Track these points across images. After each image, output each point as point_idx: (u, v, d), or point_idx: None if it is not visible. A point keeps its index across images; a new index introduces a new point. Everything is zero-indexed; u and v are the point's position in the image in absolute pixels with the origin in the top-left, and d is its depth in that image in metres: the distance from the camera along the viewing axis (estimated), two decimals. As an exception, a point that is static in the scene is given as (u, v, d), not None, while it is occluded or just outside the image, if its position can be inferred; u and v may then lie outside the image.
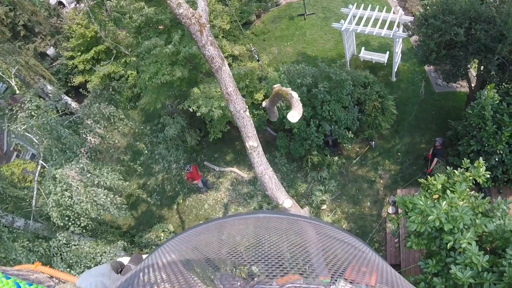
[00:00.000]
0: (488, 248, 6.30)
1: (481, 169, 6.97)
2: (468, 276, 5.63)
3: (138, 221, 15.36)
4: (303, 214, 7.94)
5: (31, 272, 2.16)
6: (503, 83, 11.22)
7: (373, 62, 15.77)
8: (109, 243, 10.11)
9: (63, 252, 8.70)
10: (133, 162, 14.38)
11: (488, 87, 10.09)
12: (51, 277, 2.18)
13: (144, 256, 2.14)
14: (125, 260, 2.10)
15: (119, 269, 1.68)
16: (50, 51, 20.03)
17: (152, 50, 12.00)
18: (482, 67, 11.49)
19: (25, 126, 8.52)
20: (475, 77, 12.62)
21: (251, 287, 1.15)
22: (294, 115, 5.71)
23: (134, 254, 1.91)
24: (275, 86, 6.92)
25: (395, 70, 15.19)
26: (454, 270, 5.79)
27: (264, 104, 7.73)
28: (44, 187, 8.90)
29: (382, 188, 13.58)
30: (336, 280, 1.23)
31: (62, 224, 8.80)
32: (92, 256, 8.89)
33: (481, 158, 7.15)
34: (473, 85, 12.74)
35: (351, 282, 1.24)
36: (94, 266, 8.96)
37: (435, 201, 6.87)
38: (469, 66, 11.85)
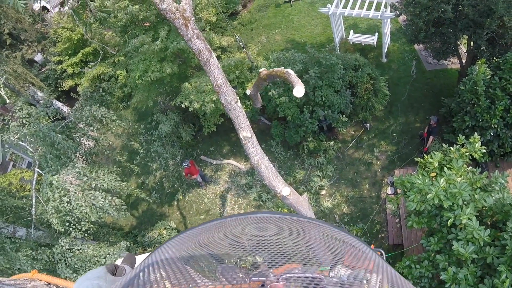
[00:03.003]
0: (488, 223, 6.35)
1: (476, 144, 6.99)
2: (470, 252, 5.68)
3: (140, 220, 15.35)
4: (301, 200, 7.95)
5: (28, 281, 2.15)
6: (494, 58, 11.19)
7: (363, 44, 15.72)
8: (112, 244, 10.10)
9: (67, 258, 8.68)
10: (129, 162, 14.32)
11: (479, 62, 10.08)
12: (48, 284, 2.17)
13: (137, 257, 2.13)
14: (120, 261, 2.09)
15: (115, 271, 1.68)
16: (38, 57, 19.80)
17: (140, 48, 11.89)
18: (472, 43, 11.46)
19: (18, 135, 8.44)
20: (466, 53, 12.61)
21: (249, 278, 1.15)
22: (299, 90, 5.76)
23: (126, 254, 1.90)
24: (261, 70, 6.90)
25: (385, 51, 15.15)
26: (456, 246, 5.84)
27: (248, 91, 7.72)
28: (42, 194, 8.85)
29: (379, 170, 13.64)
30: (334, 266, 1.22)
31: (63, 230, 8.77)
32: (96, 259, 8.89)
33: (476, 134, 7.17)
34: (464, 61, 12.72)
35: (347, 266, 1.23)
36: None
37: (433, 179, 6.91)
38: (458, 42, 11.82)
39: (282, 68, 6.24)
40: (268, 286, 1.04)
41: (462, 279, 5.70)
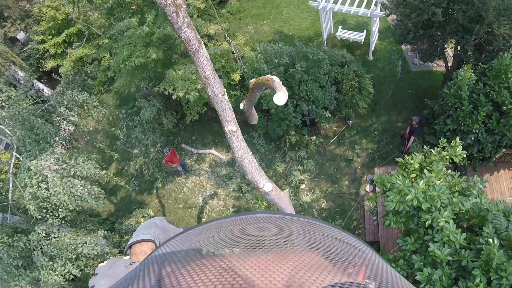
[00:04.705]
0: (465, 226, 6.50)
1: (457, 149, 7.11)
2: (446, 254, 5.81)
3: (118, 207, 15.17)
4: (283, 196, 7.95)
5: None
6: (480, 63, 11.31)
7: (350, 41, 15.75)
8: (89, 232, 9.91)
9: (43, 245, 8.48)
10: (109, 147, 14.04)
11: (465, 67, 10.18)
12: None
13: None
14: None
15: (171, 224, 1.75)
16: (20, 35, 19.22)
17: (125, 32, 11.62)
18: (459, 47, 11.57)
19: (-4, 117, 8.17)
20: (452, 57, 12.74)
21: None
22: (281, 97, 5.62)
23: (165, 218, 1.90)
24: (251, 81, 6.82)
25: (372, 49, 15.22)
26: (432, 247, 5.96)
27: (241, 106, 7.58)
28: (20, 179, 8.60)
29: (359, 167, 13.78)
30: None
31: (40, 216, 8.57)
32: (73, 247, 8.71)
33: (457, 138, 7.28)
34: (449, 64, 12.85)
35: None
36: (75, 257, 8.81)
37: (413, 180, 7.01)
38: (446, 46, 11.92)
39: (268, 75, 6.15)
40: None
41: (437, 280, 5.84)
